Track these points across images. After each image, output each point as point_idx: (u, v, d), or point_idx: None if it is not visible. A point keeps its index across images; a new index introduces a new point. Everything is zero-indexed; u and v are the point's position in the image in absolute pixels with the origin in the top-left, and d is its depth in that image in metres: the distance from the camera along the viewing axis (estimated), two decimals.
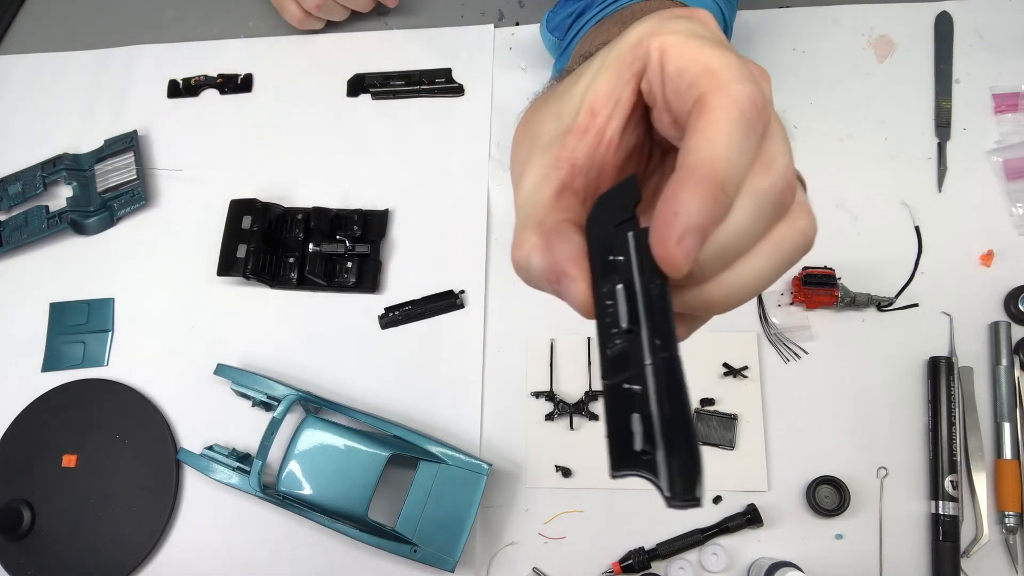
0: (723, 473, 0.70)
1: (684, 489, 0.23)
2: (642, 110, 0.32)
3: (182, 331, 0.80)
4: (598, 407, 0.73)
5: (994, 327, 0.71)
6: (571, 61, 0.66)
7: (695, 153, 0.26)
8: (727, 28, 0.67)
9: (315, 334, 0.79)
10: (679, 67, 0.28)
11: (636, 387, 0.24)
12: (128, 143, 0.85)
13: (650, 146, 0.35)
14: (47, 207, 0.84)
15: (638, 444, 0.24)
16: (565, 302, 0.29)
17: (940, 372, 0.69)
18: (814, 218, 0.30)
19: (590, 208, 0.29)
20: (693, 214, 0.25)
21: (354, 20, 0.90)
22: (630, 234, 0.27)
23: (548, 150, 0.32)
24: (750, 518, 0.68)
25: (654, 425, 0.24)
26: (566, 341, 0.75)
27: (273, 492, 0.70)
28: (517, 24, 0.88)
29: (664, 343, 0.25)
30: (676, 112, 0.29)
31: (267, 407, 0.75)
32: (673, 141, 0.32)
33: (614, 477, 0.25)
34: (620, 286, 0.26)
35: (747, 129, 0.27)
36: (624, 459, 0.24)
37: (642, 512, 0.70)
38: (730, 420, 0.71)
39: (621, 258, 0.27)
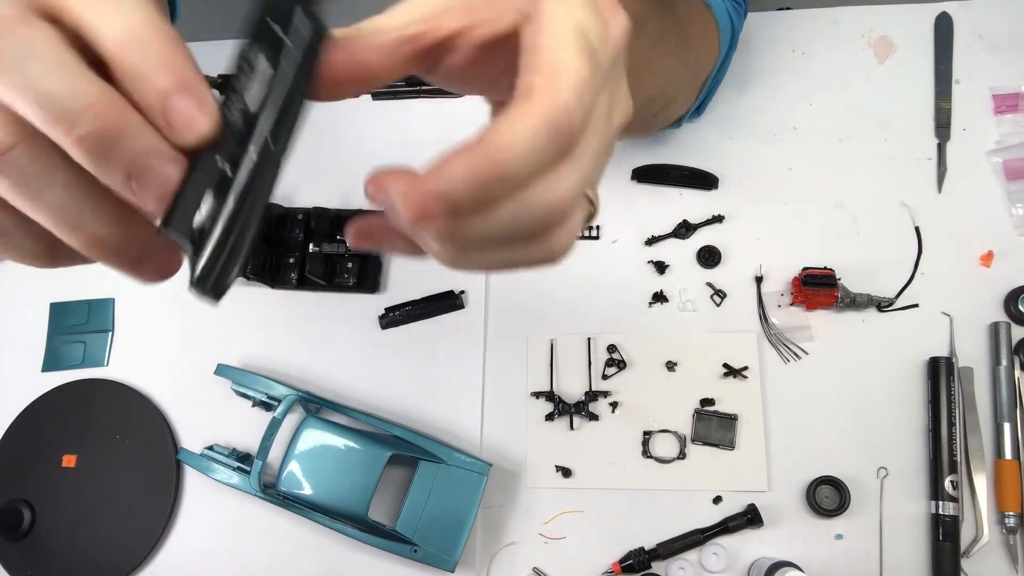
0: (723, 473, 0.70)
1: (213, 287, 0.24)
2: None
3: (182, 331, 0.80)
4: (598, 407, 0.73)
5: (994, 327, 0.71)
6: None
7: (497, 136, 0.24)
8: (734, 34, 0.68)
9: (315, 334, 0.79)
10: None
11: (227, 167, 0.23)
12: None
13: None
14: None
15: (198, 220, 0.23)
16: None
17: (940, 372, 0.69)
18: (570, 244, 0.29)
19: None
20: (459, 189, 0.24)
21: (354, 20, 0.90)
22: (308, 22, 0.25)
23: None
24: (750, 518, 0.68)
25: (221, 215, 0.23)
26: (566, 341, 0.75)
27: (273, 492, 0.70)
28: None
29: (278, 148, 0.24)
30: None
31: (267, 407, 0.75)
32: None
33: (160, 234, 0.24)
34: (267, 67, 0.24)
35: (552, 143, 0.25)
36: (178, 222, 0.23)
37: (642, 512, 0.70)
38: (730, 420, 0.71)
39: (283, 35, 0.24)
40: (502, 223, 0.26)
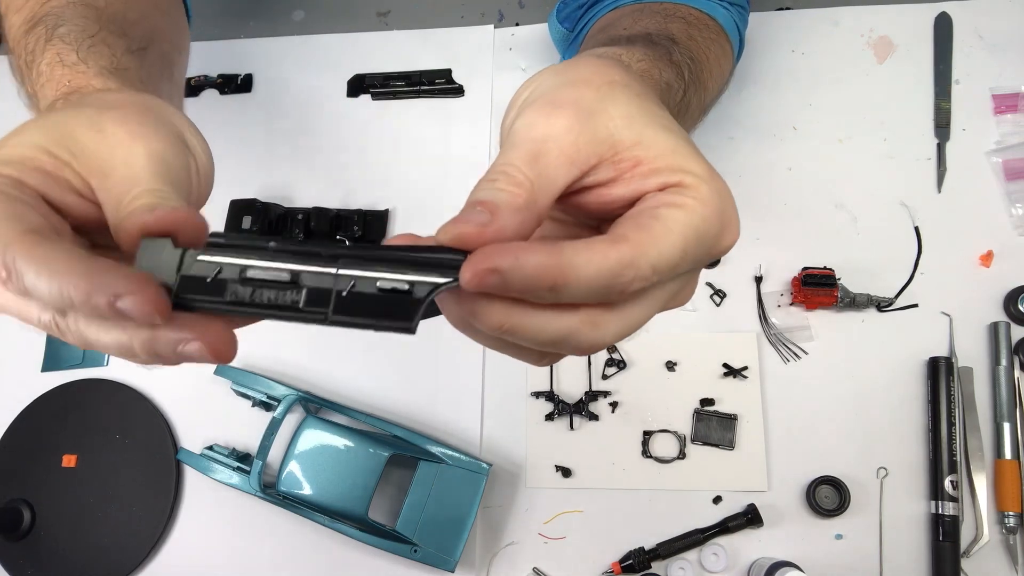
0: (723, 473, 0.70)
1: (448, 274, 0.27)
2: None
3: None
4: (598, 407, 0.73)
5: (994, 327, 0.71)
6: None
7: (575, 254, 0.27)
8: (741, 38, 0.68)
9: (315, 334, 0.79)
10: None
11: (351, 283, 0.26)
12: None
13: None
14: None
15: (411, 287, 0.26)
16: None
17: (940, 372, 0.69)
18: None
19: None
20: (522, 275, 0.26)
21: (354, 20, 0.90)
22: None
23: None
24: (750, 518, 0.68)
25: (401, 276, 0.27)
26: None
27: (273, 492, 0.70)
28: (517, 25, 0.88)
29: (341, 261, 0.27)
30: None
31: (267, 407, 0.75)
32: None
33: (412, 330, 0.27)
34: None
35: (605, 289, 0.28)
36: (412, 312, 0.27)
37: (642, 512, 0.70)
38: (730, 420, 0.71)
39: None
40: (523, 326, 0.29)
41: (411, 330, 0.27)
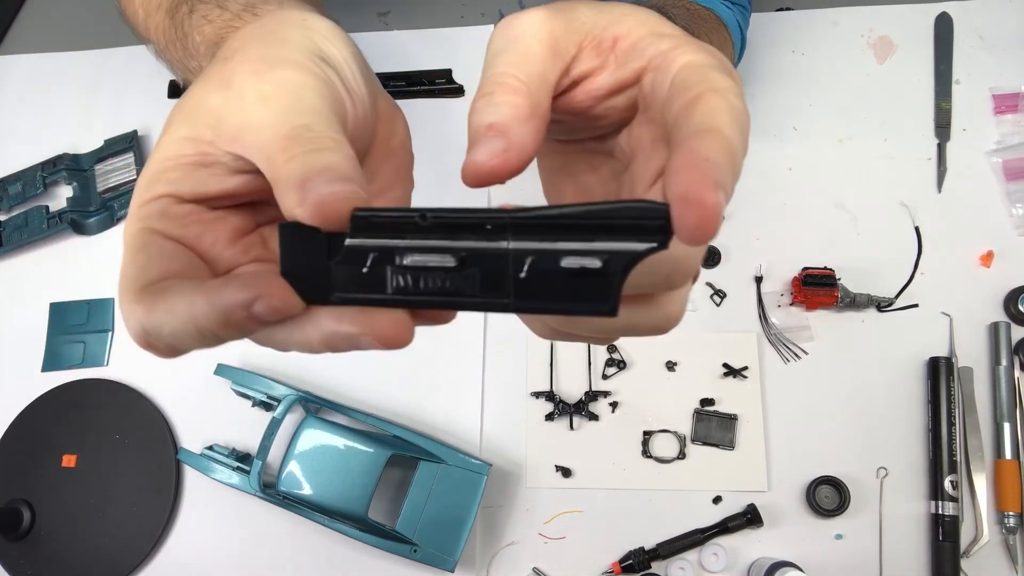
0: (723, 473, 0.70)
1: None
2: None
3: None
4: (598, 407, 0.73)
5: (994, 327, 0.71)
6: None
7: (710, 121, 0.25)
8: (742, 37, 0.68)
9: None
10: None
11: (528, 259, 0.22)
12: (128, 143, 0.85)
13: None
14: (47, 207, 0.84)
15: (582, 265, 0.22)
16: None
17: (940, 372, 0.69)
18: (683, 311, 0.29)
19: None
20: (728, 177, 0.24)
21: (354, 20, 0.90)
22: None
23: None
24: (750, 518, 0.68)
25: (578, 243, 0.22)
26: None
27: (273, 492, 0.70)
28: None
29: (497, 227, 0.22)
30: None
31: (267, 407, 0.75)
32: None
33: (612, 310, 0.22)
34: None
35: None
36: (607, 290, 0.22)
37: (642, 512, 0.70)
38: (730, 420, 0.71)
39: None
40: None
41: (613, 312, 0.22)
